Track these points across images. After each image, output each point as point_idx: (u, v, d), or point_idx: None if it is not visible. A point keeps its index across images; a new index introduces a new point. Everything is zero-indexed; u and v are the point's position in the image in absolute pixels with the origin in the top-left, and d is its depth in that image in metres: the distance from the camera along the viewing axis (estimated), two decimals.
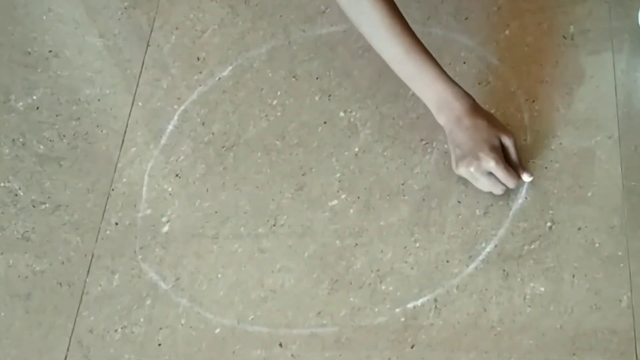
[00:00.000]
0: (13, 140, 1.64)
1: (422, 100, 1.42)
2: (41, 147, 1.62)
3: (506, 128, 1.41)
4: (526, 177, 1.41)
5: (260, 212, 1.48)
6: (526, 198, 1.42)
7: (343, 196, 1.47)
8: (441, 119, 1.41)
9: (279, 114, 1.59)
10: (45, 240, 1.51)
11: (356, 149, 1.52)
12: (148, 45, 1.73)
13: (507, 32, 1.62)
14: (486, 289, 1.34)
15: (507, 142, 1.39)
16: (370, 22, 1.39)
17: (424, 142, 1.51)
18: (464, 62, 1.59)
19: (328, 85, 1.61)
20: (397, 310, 1.35)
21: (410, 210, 1.44)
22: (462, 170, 1.39)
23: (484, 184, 1.40)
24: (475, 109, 1.40)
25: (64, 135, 1.63)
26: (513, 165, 1.40)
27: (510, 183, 1.39)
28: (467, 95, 1.40)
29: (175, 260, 1.45)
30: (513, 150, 1.40)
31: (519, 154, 1.41)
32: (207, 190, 1.52)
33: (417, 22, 1.65)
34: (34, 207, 1.55)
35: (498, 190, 1.40)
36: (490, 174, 1.38)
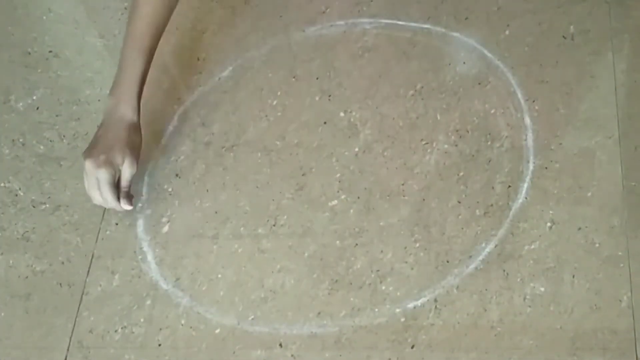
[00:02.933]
0: (13, 140, 1.64)
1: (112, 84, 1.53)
2: (41, 147, 1.62)
3: (135, 157, 1.49)
4: (124, 205, 1.49)
5: (260, 212, 1.48)
6: (526, 198, 1.42)
7: (343, 196, 1.47)
8: (106, 110, 1.51)
9: (279, 114, 1.59)
10: (46, 240, 1.51)
11: (356, 149, 1.52)
12: None
13: (507, 32, 1.62)
14: (486, 289, 1.34)
15: (127, 167, 1.48)
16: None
17: (424, 142, 1.51)
18: (464, 62, 1.59)
19: (328, 85, 1.61)
20: (397, 310, 1.35)
21: (410, 210, 1.44)
22: (84, 162, 1.47)
23: (87, 185, 1.48)
24: (133, 126, 1.50)
25: (64, 136, 1.63)
26: (120, 189, 1.50)
27: (95, 198, 1.48)
28: (137, 114, 1.51)
29: (175, 260, 1.45)
30: (126, 177, 1.49)
31: (127, 186, 1.50)
32: (207, 191, 1.52)
33: (417, 22, 1.65)
34: (34, 207, 1.55)
35: (94, 197, 1.49)
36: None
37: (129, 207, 1.49)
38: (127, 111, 1.49)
